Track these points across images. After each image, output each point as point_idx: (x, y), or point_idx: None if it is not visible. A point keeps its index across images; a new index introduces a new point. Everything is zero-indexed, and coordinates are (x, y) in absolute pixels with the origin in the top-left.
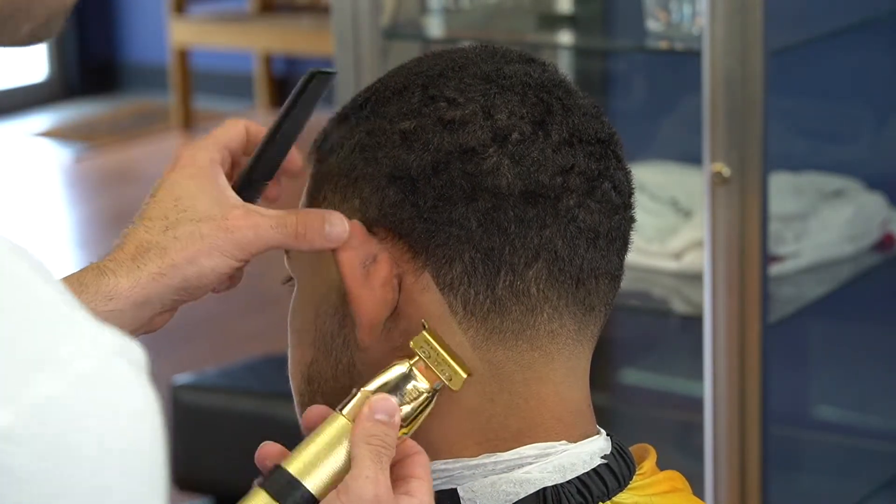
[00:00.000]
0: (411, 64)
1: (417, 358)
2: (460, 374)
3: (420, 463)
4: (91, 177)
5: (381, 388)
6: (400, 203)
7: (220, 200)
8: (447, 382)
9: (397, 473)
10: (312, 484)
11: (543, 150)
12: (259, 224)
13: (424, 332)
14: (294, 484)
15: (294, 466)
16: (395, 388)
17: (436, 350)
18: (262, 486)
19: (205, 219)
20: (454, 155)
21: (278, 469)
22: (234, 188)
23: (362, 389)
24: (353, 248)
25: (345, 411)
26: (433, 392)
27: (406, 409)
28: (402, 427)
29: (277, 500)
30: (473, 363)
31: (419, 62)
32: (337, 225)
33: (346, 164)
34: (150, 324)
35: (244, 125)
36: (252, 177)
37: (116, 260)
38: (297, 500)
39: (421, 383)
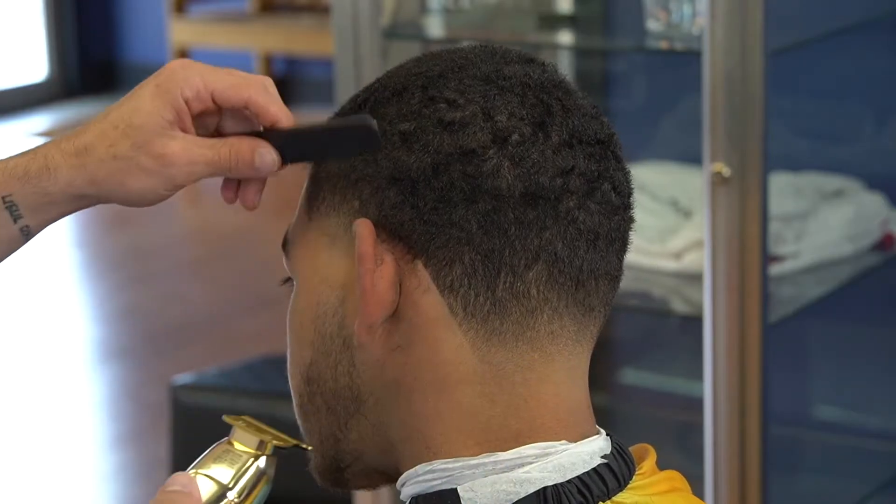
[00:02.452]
0: (410, 64)
1: (239, 432)
2: (289, 441)
3: None
4: None
5: (212, 471)
6: (400, 205)
7: (163, 130)
8: (279, 443)
9: None
10: None
11: (543, 152)
12: (194, 160)
13: (244, 416)
14: None
15: None
16: (219, 461)
17: (256, 424)
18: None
19: (144, 145)
20: (454, 157)
21: None
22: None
23: (188, 471)
24: (370, 244)
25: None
26: (267, 463)
27: (239, 483)
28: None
29: None
30: (473, 364)
31: (418, 62)
32: (266, 156)
33: (345, 165)
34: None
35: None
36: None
37: (64, 152)
38: None
39: (256, 455)
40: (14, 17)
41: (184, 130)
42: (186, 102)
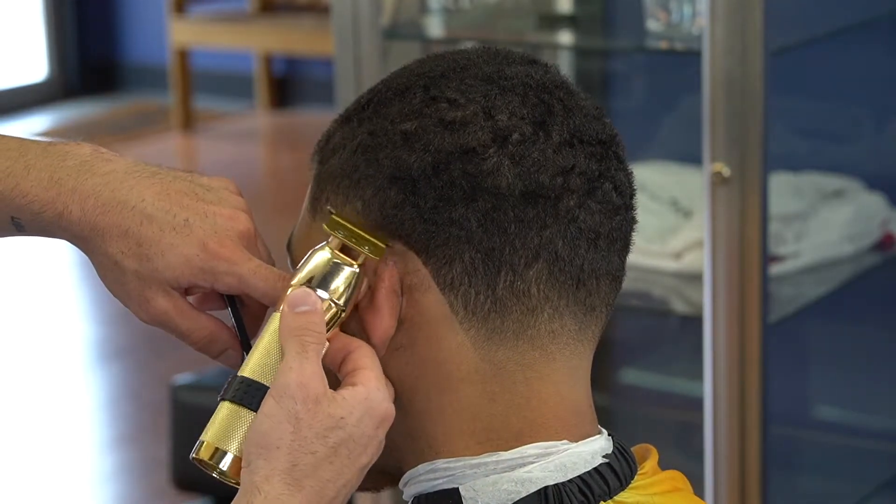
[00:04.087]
0: (413, 65)
1: (335, 240)
2: (379, 246)
3: (364, 354)
4: None
5: (307, 278)
6: (401, 204)
7: (167, 286)
8: (369, 255)
9: (344, 370)
10: (270, 382)
11: (544, 151)
12: (170, 322)
13: (334, 216)
14: (256, 386)
15: (249, 371)
16: (323, 275)
17: (349, 229)
18: (225, 398)
19: (142, 279)
20: (455, 155)
21: (236, 378)
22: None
23: (291, 283)
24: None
25: (279, 308)
26: (360, 268)
27: (340, 291)
28: (342, 311)
29: (245, 406)
30: (475, 362)
31: (421, 63)
32: (229, 359)
33: (348, 165)
34: None
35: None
36: None
37: (84, 213)
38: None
39: (346, 264)
40: (14, 17)
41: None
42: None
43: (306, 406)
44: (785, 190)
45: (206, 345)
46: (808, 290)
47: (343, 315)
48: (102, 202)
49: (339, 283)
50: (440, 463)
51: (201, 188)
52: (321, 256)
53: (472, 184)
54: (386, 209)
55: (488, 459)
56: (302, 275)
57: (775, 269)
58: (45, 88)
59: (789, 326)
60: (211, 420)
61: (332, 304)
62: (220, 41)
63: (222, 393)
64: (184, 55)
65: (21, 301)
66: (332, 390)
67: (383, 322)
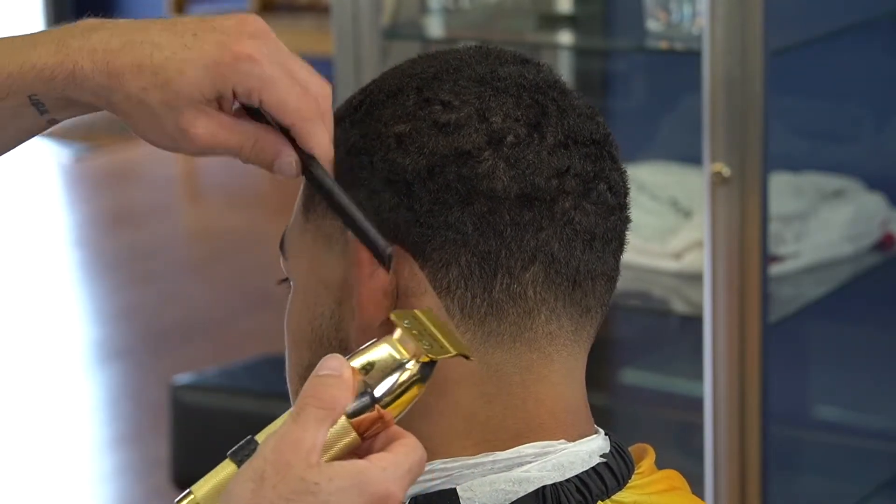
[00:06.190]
0: (405, 66)
1: (401, 333)
2: (448, 351)
3: (406, 436)
4: (91, 177)
5: (363, 366)
6: (396, 207)
7: (198, 103)
8: (432, 355)
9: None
10: None
11: (539, 153)
12: (217, 143)
13: (415, 311)
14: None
15: (261, 434)
16: (378, 366)
17: (422, 324)
18: (232, 457)
19: (174, 109)
20: (449, 158)
21: (250, 441)
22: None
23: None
24: (367, 251)
25: None
26: (420, 369)
27: (385, 388)
28: (387, 406)
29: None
30: (471, 365)
31: (413, 64)
32: (285, 166)
33: (341, 168)
34: None
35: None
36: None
37: (95, 64)
38: None
39: (405, 360)
40: (14, 17)
41: (220, 109)
42: (234, 93)
43: (275, 467)
44: (785, 190)
45: (258, 153)
46: (808, 290)
47: (374, 411)
48: (111, 48)
49: (387, 381)
50: (437, 463)
51: (209, 19)
52: (383, 350)
53: (468, 187)
54: (381, 212)
55: (485, 459)
56: (359, 361)
57: (775, 269)
58: None
59: (789, 326)
60: (210, 473)
61: (368, 394)
62: None
63: (231, 450)
64: None
65: (21, 302)
66: (324, 462)
67: (367, 312)
